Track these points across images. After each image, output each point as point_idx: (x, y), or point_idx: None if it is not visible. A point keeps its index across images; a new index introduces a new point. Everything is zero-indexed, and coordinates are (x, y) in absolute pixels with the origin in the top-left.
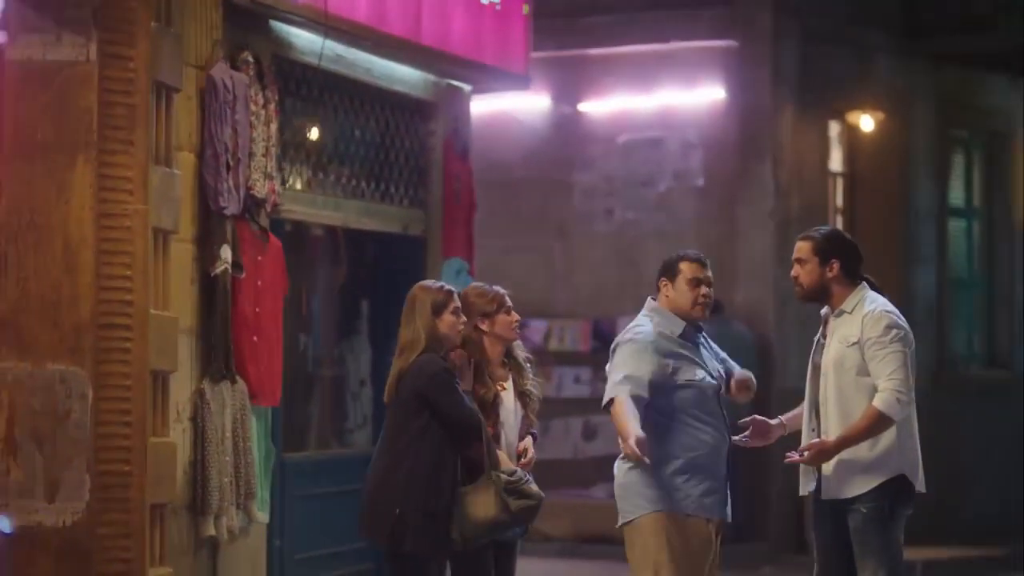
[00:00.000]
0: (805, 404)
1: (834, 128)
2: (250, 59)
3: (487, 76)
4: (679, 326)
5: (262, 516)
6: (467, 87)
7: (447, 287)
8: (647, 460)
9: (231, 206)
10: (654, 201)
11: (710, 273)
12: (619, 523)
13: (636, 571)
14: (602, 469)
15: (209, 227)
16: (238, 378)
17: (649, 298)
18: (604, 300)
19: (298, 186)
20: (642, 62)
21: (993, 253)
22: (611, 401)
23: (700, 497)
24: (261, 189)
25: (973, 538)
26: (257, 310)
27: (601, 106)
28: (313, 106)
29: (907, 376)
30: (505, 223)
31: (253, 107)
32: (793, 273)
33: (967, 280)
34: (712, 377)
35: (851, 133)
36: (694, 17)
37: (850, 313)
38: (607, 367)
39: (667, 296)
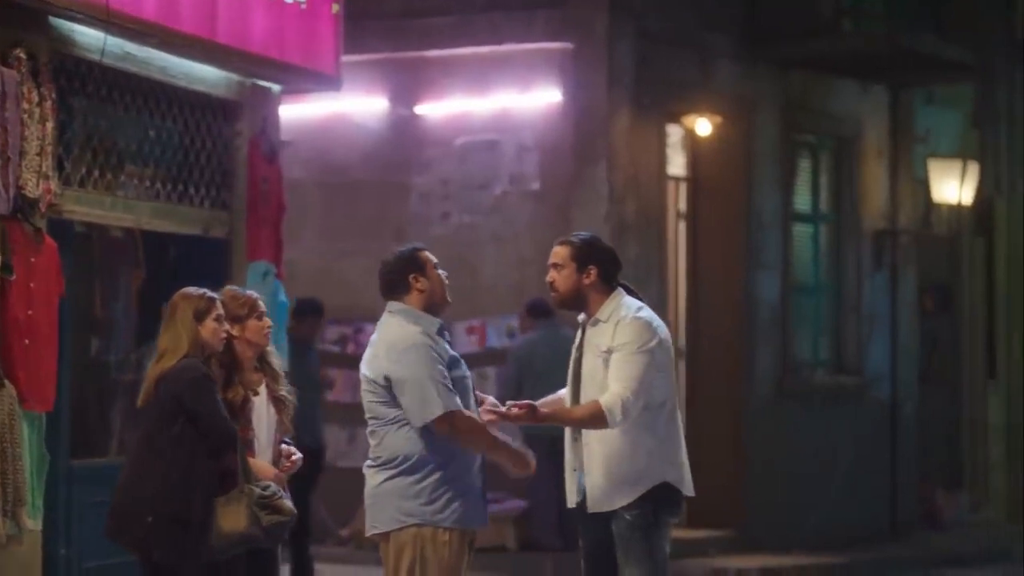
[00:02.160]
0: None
1: (675, 132)
2: (22, 56)
3: (294, 76)
4: (435, 324)
5: (32, 524)
6: (276, 88)
7: (209, 294)
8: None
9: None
10: (490, 205)
11: None
12: (369, 532)
13: None
14: None
15: None
16: (6, 382)
17: (391, 302)
18: None
19: (84, 186)
20: (478, 64)
21: (841, 258)
22: (450, 414)
23: (458, 509)
24: (34, 189)
25: (817, 546)
26: (30, 312)
27: (438, 108)
28: (102, 105)
29: (641, 387)
30: (342, 226)
31: (26, 105)
32: (549, 278)
33: (813, 286)
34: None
35: (693, 137)
36: (530, 19)
37: (605, 322)
38: (394, 377)
39: (420, 290)
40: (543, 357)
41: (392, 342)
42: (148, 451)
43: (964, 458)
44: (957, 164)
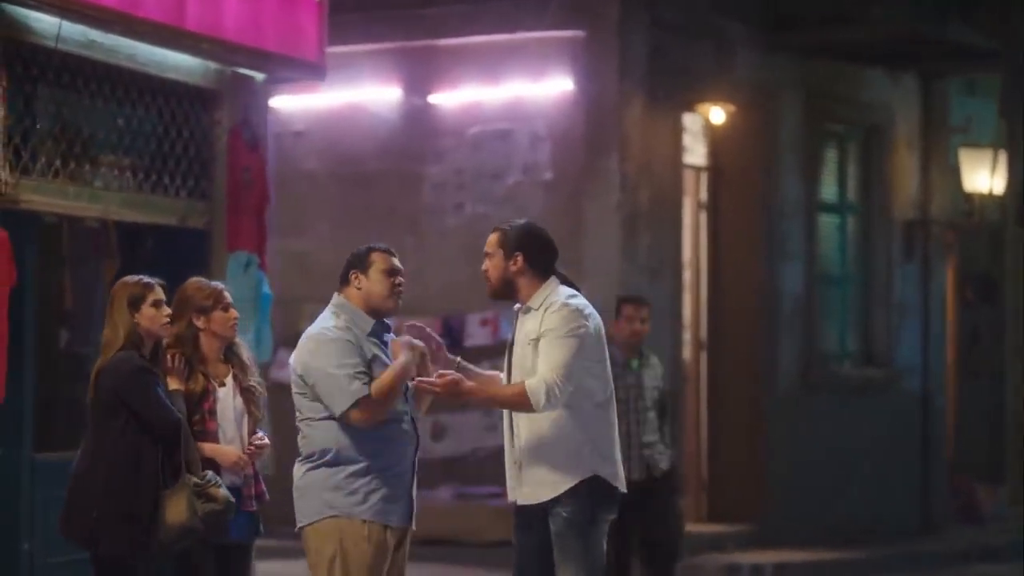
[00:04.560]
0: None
1: (694, 122)
2: None
3: (275, 65)
4: (368, 323)
5: None
6: (259, 76)
7: (146, 280)
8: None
9: None
10: (503, 195)
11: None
12: (297, 526)
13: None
14: (450, 470)
15: None
16: None
17: (336, 294)
18: (454, 296)
19: (45, 176)
20: (491, 53)
21: (869, 249)
22: (357, 403)
23: (379, 503)
24: None
25: (843, 541)
26: None
27: (451, 98)
28: (65, 93)
29: (569, 372)
30: (356, 217)
31: None
32: (483, 267)
33: (840, 276)
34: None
35: (711, 126)
36: (542, 7)
37: (536, 309)
38: (306, 369)
39: (357, 288)
40: None
41: (309, 334)
42: (94, 445)
43: (1006, 452)
44: (988, 153)
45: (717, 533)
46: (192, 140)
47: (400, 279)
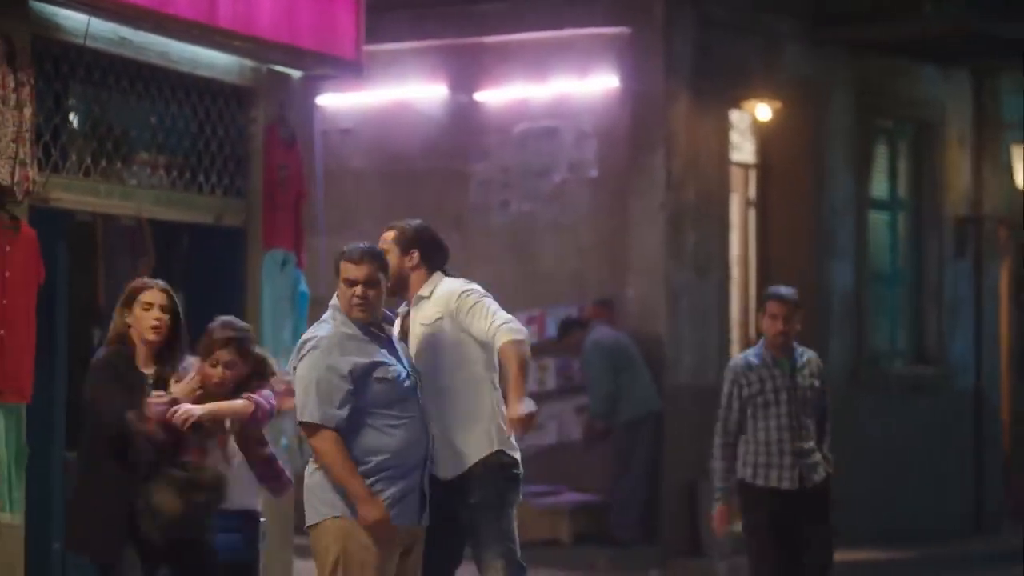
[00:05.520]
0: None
1: (742, 119)
2: None
3: (311, 62)
4: (352, 326)
5: (7, 517)
6: (295, 74)
7: (147, 280)
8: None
9: None
10: (549, 193)
11: (371, 273)
12: (305, 525)
13: None
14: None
15: None
16: None
17: (335, 294)
18: (500, 294)
19: (76, 174)
20: (537, 50)
21: (920, 246)
22: (314, 427)
23: (384, 503)
24: (6, 176)
25: (895, 540)
26: (4, 302)
27: (497, 95)
28: (95, 91)
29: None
30: (402, 215)
31: (0, 91)
32: None
33: (891, 274)
34: (407, 372)
35: (759, 123)
36: (588, 4)
37: (428, 297)
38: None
39: (337, 291)
40: (625, 350)
41: (303, 337)
42: (80, 447)
43: None
44: None
45: None
46: (227, 138)
47: (359, 290)
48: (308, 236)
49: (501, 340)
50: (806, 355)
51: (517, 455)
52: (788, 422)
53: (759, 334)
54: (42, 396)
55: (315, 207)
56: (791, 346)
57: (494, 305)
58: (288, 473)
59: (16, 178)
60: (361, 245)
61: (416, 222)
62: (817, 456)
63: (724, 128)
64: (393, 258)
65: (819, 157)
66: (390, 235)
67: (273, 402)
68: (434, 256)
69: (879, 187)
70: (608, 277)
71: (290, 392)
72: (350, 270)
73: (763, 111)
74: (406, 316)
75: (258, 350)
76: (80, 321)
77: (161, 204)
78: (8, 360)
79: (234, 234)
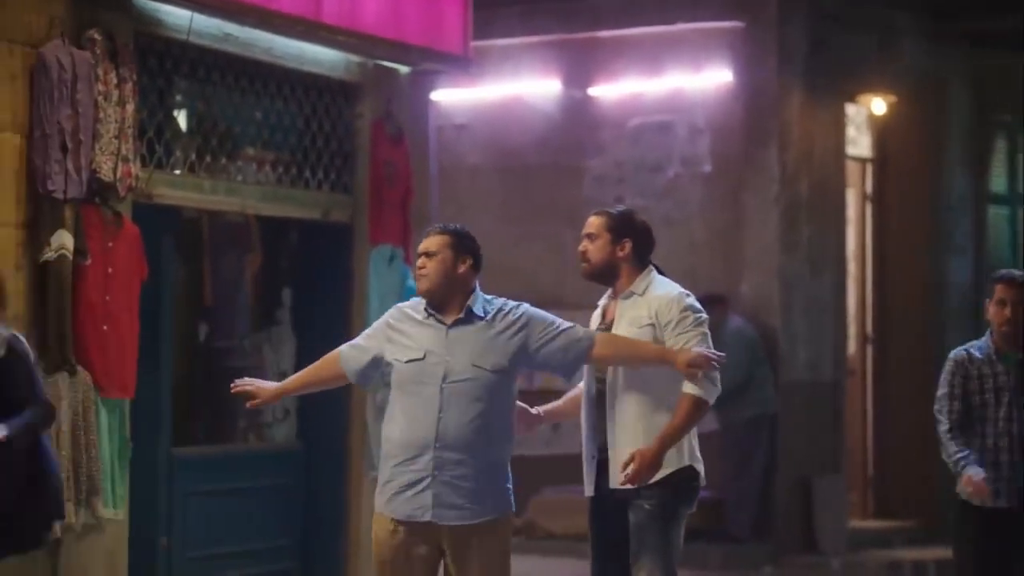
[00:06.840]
0: (584, 399)
1: (858, 113)
2: (97, 37)
3: (418, 57)
4: (421, 303)
5: (110, 512)
6: (402, 69)
7: None
8: None
9: (70, 189)
10: (663, 187)
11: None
12: None
13: None
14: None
15: (40, 211)
16: (79, 369)
17: None
18: None
19: (179, 170)
20: (650, 45)
21: None
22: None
23: (390, 492)
24: (109, 172)
25: None
26: (107, 298)
27: (611, 90)
28: (200, 87)
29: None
30: (517, 211)
31: (102, 87)
32: (581, 248)
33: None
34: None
35: (875, 117)
36: None
37: (640, 295)
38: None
39: None
40: (760, 345)
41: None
42: None
43: None
44: None
45: (884, 529)
46: (333, 133)
47: (421, 261)
48: (420, 231)
49: (689, 389)
50: None
51: (701, 468)
52: (1007, 427)
53: (876, 331)
54: (147, 392)
55: (429, 202)
56: (1021, 338)
57: (708, 340)
58: None
59: (119, 174)
60: None
61: (623, 208)
62: None
63: (839, 122)
64: (603, 244)
65: (937, 152)
66: (599, 221)
67: None
68: (645, 247)
69: (998, 182)
70: (721, 272)
71: None
72: (422, 243)
73: (878, 105)
74: (606, 309)
75: None
76: (187, 317)
77: (267, 200)
78: (111, 356)
79: (341, 230)
